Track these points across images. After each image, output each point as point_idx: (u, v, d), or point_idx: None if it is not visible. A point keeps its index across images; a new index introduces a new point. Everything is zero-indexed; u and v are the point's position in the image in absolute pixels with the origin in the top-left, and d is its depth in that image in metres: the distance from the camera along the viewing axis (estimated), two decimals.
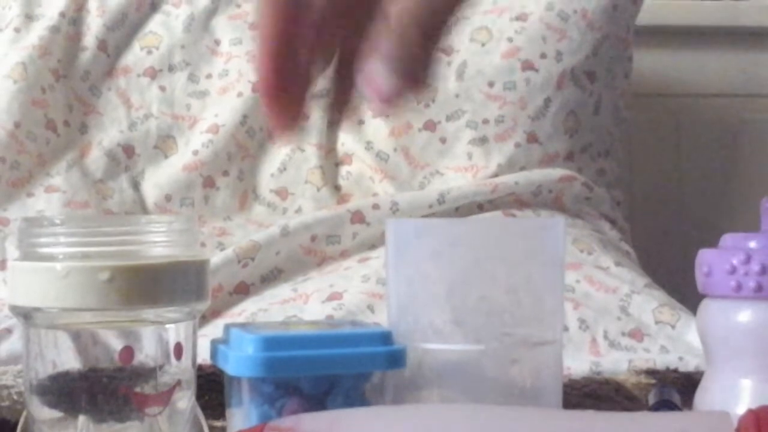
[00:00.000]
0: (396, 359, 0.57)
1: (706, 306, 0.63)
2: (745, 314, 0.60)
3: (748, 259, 0.59)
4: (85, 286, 0.50)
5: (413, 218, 1.26)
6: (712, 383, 0.62)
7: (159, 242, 0.54)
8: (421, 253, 0.60)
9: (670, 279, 1.29)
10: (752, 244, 0.61)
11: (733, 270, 0.60)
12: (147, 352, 0.53)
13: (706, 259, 0.62)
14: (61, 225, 0.53)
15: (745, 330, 0.60)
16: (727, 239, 0.63)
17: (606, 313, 1.17)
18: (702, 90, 1.72)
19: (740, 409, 0.60)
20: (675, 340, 1.14)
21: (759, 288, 0.59)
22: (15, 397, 0.82)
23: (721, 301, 0.61)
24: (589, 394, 0.86)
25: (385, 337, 0.57)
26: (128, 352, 0.52)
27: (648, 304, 1.19)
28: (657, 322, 1.16)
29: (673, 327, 1.16)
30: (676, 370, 1.05)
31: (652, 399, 0.64)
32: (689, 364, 1.07)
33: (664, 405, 0.61)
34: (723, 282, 0.60)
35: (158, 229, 0.54)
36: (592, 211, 1.39)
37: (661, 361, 1.10)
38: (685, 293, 1.09)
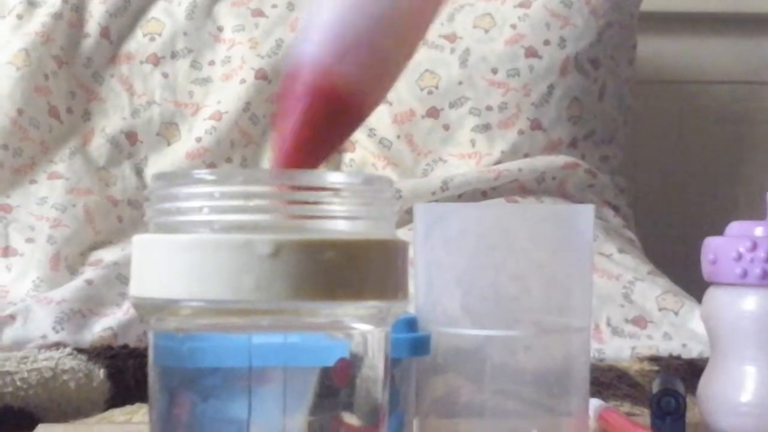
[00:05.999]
0: (420, 346, 0.56)
1: (712, 293, 0.63)
2: (750, 301, 0.60)
3: (754, 246, 0.59)
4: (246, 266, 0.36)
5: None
6: (717, 370, 0.62)
7: (346, 212, 0.39)
8: (437, 238, 0.60)
9: (674, 266, 1.29)
10: (758, 232, 0.61)
11: (739, 257, 0.59)
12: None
13: (712, 246, 0.62)
14: (214, 182, 0.38)
15: (750, 317, 0.60)
16: (734, 227, 0.62)
17: (609, 300, 1.18)
18: (706, 77, 1.71)
19: (744, 397, 0.60)
20: (678, 327, 1.14)
21: (765, 275, 0.59)
22: (18, 383, 0.83)
23: (726, 289, 0.61)
24: (591, 381, 0.86)
25: (410, 324, 0.57)
26: (345, 366, 0.39)
27: (651, 291, 1.19)
28: (660, 309, 1.16)
29: (676, 314, 1.16)
30: (679, 357, 1.06)
31: (655, 387, 0.64)
32: (692, 351, 1.07)
33: (667, 393, 0.61)
34: (729, 269, 0.60)
35: (349, 194, 0.39)
36: (595, 197, 1.38)
37: (665, 348, 1.10)
38: (689, 280, 1.09)
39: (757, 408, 0.59)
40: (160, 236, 0.38)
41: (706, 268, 0.62)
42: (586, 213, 0.61)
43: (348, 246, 0.38)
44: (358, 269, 0.38)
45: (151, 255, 0.38)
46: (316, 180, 0.39)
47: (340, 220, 0.39)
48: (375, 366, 0.40)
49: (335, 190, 0.39)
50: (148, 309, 0.39)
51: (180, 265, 0.37)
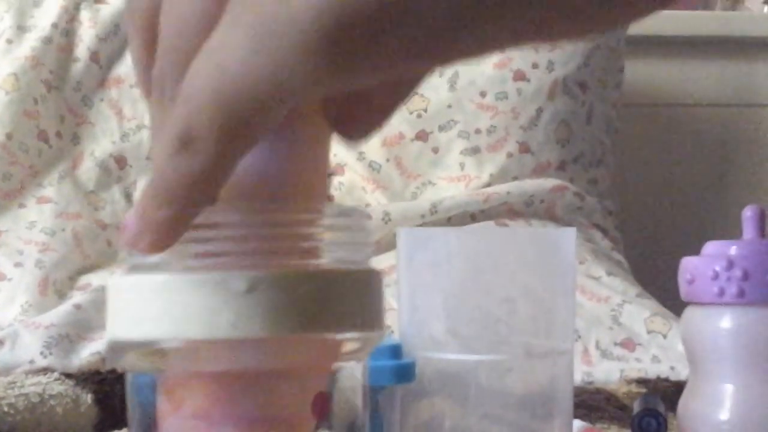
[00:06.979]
0: (405, 373, 0.56)
1: (690, 313, 0.63)
2: (727, 320, 0.60)
3: (730, 265, 0.59)
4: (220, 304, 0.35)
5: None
6: (696, 389, 0.62)
7: (325, 243, 0.38)
8: (421, 262, 0.60)
9: (662, 288, 1.29)
10: (734, 251, 0.61)
11: (716, 276, 0.60)
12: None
13: (689, 266, 0.62)
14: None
15: (727, 336, 0.60)
16: (709, 246, 0.63)
17: (598, 322, 1.18)
18: (693, 100, 1.72)
19: (723, 415, 0.60)
20: (667, 349, 1.14)
21: (741, 293, 0.59)
22: (5, 408, 0.83)
23: (704, 308, 0.62)
24: (579, 404, 0.86)
25: (395, 351, 0.56)
26: (323, 400, 0.38)
27: (639, 313, 1.19)
28: (649, 332, 1.16)
29: (664, 336, 1.16)
30: (666, 379, 1.06)
31: (636, 408, 0.64)
32: (681, 374, 1.07)
33: (647, 413, 0.61)
34: (706, 288, 0.60)
35: (326, 225, 0.38)
36: (583, 220, 1.39)
37: (653, 370, 1.10)
38: (677, 303, 1.09)
39: (737, 426, 0.59)
40: (134, 277, 0.38)
41: (684, 288, 0.62)
42: (568, 236, 0.62)
43: (324, 278, 0.37)
44: (334, 302, 0.37)
45: (125, 297, 0.37)
46: (291, 213, 0.38)
47: (323, 251, 0.38)
48: (353, 399, 0.40)
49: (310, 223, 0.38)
50: (123, 351, 0.38)
51: (155, 306, 0.36)
